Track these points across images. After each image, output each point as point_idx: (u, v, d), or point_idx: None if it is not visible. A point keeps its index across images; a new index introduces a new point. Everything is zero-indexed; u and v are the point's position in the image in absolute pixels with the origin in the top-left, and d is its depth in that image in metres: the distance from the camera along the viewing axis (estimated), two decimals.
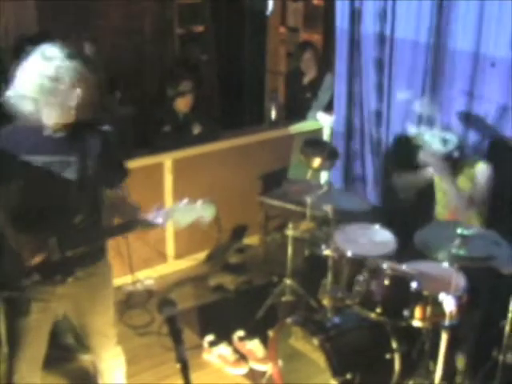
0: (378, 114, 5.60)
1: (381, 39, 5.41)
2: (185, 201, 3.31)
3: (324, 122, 6.33)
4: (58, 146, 3.15)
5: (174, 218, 3.29)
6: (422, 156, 4.30)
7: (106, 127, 3.33)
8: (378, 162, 5.71)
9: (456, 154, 4.23)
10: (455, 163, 4.26)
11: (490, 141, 4.81)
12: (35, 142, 3.14)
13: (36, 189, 3.14)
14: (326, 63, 6.78)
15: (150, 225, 3.33)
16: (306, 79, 6.78)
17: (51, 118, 3.09)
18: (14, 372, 3.39)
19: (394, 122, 5.47)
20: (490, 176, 4.28)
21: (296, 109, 6.69)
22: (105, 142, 3.27)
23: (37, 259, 3.15)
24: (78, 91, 3.06)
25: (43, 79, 3.01)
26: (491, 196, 4.32)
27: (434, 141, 4.23)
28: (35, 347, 3.40)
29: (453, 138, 4.24)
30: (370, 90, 5.60)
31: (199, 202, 3.28)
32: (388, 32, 5.33)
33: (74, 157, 3.16)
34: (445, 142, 4.21)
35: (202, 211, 3.28)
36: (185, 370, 2.35)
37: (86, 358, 4.53)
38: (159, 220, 3.30)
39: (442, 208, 4.48)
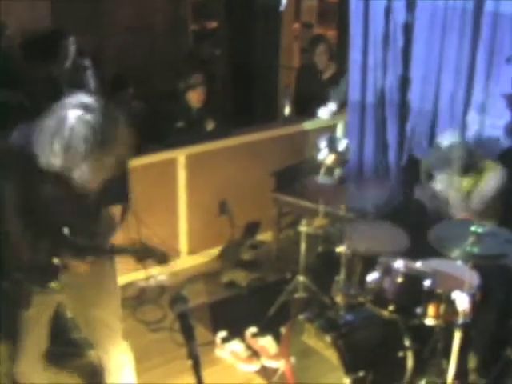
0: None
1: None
2: None
3: (324, 116, 6.32)
4: None
5: None
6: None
7: None
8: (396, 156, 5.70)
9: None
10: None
11: None
12: None
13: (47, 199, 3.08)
14: (340, 59, 6.75)
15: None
16: (325, 75, 6.75)
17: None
18: (16, 369, 3.42)
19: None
20: (501, 177, 4.25)
21: (307, 104, 6.66)
22: None
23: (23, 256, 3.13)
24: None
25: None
26: (505, 195, 4.30)
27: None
28: (36, 340, 3.42)
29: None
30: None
31: None
32: None
33: None
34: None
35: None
36: (196, 367, 2.35)
37: (93, 354, 4.53)
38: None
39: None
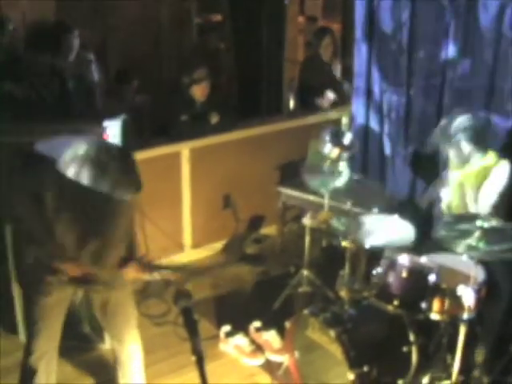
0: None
1: None
2: None
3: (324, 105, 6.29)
4: None
5: None
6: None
7: None
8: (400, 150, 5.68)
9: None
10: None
11: None
12: None
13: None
14: (344, 52, 6.75)
15: None
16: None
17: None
18: (32, 352, 3.46)
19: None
20: (510, 172, 4.21)
21: (311, 97, 6.65)
22: None
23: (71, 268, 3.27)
24: None
25: None
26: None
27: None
28: (54, 327, 3.48)
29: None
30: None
31: None
32: None
33: None
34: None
35: None
36: (200, 362, 2.35)
37: (103, 348, 4.55)
38: None
39: (458, 200, 4.42)
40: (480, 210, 4.14)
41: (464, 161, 4.25)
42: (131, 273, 3.45)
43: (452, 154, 4.29)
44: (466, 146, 4.18)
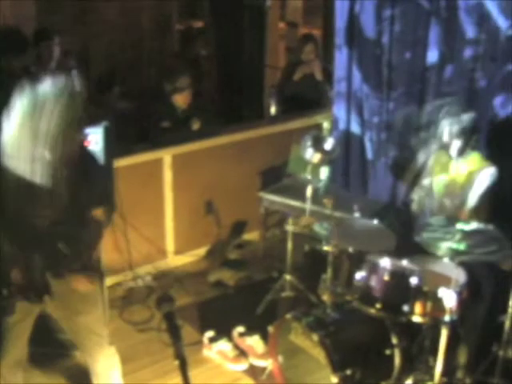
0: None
1: None
2: None
3: None
4: None
5: None
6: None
7: None
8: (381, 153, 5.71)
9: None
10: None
11: None
12: None
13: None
14: (325, 57, 6.79)
15: None
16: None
17: None
18: None
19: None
20: (493, 174, 4.23)
21: (293, 102, 6.68)
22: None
23: (16, 275, 3.16)
24: None
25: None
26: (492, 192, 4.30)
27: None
28: (19, 347, 3.42)
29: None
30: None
31: None
32: None
33: None
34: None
35: None
36: (183, 367, 2.35)
37: (79, 354, 4.51)
38: None
39: (440, 187, 4.43)
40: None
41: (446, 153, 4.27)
42: (79, 283, 3.33)
43: (434, 156, 4.33)
44: (456, 142, 4.21)
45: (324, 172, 5.31)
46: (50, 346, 4.24)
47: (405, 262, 3.87)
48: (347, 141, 5.92)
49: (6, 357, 3.38)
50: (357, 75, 5.70)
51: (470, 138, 4.21)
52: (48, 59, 5.68)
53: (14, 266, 3.14)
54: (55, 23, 6.52)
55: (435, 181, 4.42)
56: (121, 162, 4.84)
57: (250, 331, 4.75)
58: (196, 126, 5.81)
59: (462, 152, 4.23)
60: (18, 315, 3.30)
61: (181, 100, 5.77)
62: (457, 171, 4.29)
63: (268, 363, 4.32)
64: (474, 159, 4.27)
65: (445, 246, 3.65)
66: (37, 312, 3.43)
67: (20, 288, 3.19)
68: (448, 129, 4.19)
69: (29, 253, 3.15)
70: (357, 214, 4.41)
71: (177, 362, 2.35)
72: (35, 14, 6.75)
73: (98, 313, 3.49)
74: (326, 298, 4.14)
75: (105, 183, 3.42)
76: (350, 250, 4.11)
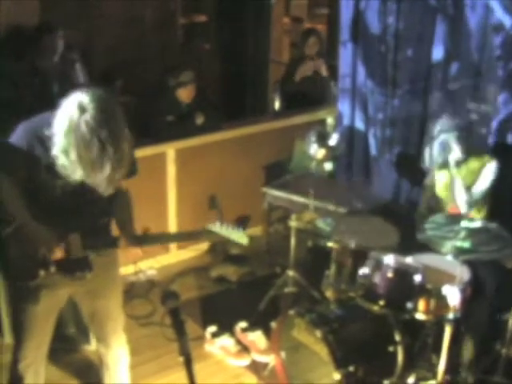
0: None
1: None
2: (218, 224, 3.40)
3: None
4: None
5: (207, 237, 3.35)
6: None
7: None
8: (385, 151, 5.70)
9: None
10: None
11: None
12: None
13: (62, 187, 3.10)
14: (329, 53, 6.77)
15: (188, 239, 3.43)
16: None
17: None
18: (20, 360, 3.40)
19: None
20: (496, 170, 4.23)
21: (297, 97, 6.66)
22: None
23: (57, 254, 3.18)
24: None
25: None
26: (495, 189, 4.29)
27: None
28: (42, 335, 3.41)
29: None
30: None
31: (234, 228, 3.32)
32: None
33: None
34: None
35: (234, 236, 3.31)
36: (188, 363, 2.35)
37: (88, 349, 4.53)
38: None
39: (446, 200, 4.44)
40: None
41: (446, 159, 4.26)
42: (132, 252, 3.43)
43: (436, 153, 4.31)
44: (455, 148, 4.20)
45: (328, 167, 5.31)
46: (60, 341, 4.25)
47: (409, 260, 3.87)
48: (351, 137, 5.92)
49: (27, 349, 3.37)
50: (361, 71, 5.70)
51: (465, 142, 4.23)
52: (51, 52, 5.66)
53: (54, 245, 3.16)
54: (59, 18, 6.48)
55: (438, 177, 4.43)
56: None
57: (252, 327, 4.75)
58: (199, 120, 5.79)
59: (462, 160, 4.24)
60: (42, 304, 3.29)
61: (185, 94, 5.76)
62: (460, 176, 4.29)
63: (270, 359, 4.32)
64: (473, 159, 4.27)
65: (449, 244, 3.64)
66: (64, 301, 3.46)
67: (63, 265, 3.21)
68: (443, 145, 4.20)
69: (69, 231, 3.19)
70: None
71: (181, 359, 2.34)
72: (39, 10, 6.72)
73: (118, 297, 3.57)
74: (329, 294, 4.13)
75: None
76: (352, 245, 4.10)
